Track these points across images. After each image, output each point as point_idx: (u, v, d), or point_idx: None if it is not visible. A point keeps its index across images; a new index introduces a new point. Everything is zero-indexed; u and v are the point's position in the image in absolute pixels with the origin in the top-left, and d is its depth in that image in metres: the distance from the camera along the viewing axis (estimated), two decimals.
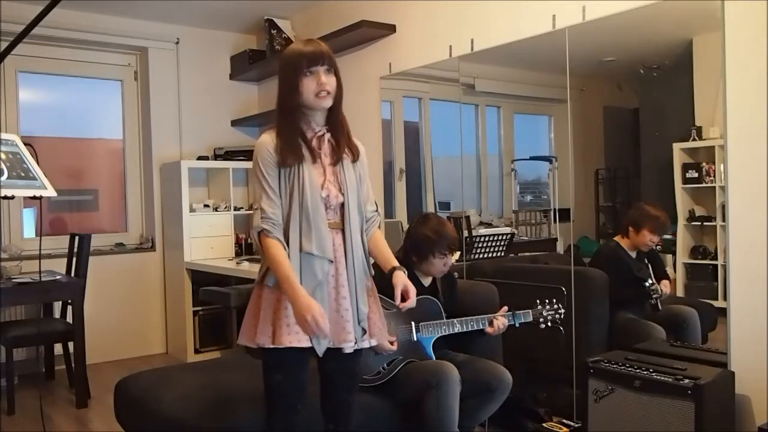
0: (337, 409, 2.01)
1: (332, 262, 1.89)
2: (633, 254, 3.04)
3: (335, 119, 1.97)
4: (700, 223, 2.80)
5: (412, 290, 1.98)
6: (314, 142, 1.93)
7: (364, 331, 1.93)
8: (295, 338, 1.82)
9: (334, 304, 1.89)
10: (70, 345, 3.96)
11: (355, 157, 1.99)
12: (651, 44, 2.93)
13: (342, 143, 1.96)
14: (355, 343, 1.90)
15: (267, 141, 1.90)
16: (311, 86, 1.87)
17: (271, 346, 1.82)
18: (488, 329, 2.59)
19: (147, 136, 5.12)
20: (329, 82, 1.89)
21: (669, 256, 2.96)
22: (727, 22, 2.47)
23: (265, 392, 1.92)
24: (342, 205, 1.93)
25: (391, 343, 2.49)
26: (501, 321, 2.60)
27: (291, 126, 1.92)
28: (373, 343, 1.99)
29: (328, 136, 1.95)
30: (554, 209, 3.57)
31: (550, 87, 3.37)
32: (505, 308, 2.64)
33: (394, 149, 4.30)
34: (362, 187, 2.01)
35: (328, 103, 1.91)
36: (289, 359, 1.85)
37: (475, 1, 3.55)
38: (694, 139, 2.74)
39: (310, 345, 1.83)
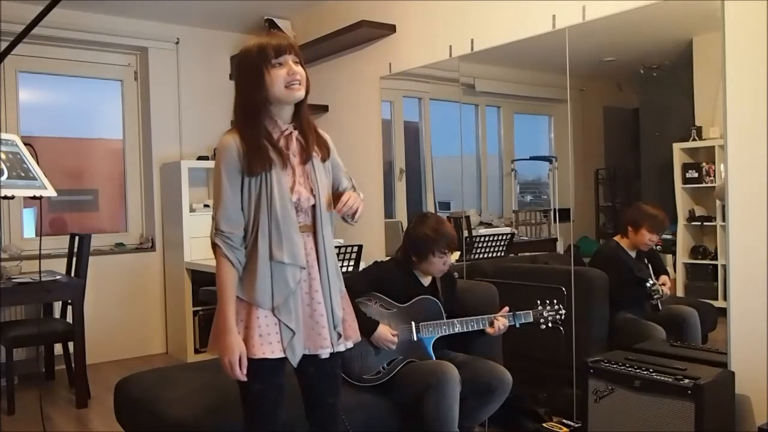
0: (322, 415, 1.94)
1: (304, 268, 1.80)
2: (633, 254, 3.04)
3: (302, 115, 1.83)
4: (700, 223, 2.80)
5: (353, 199, 1.84)
6: (282, 142, 1.80)
7: (340, 335, 1.86)
8: (267, 349, 1.74)
9: (308, 310, 1.82)
10: (70, 345, 3.96)
11: (326, 155, 1.89)
12: (651, 44, 2.93)
13: (311, 141, 1.83)
14: (332, 347, 1.84)
15: (231, 145, 1.75)
16: (281, 77, 1.74)
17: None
18: (488, 330, 2.59)
19: (147, 136, 5.12)
20: (300, 71, 1.76)
21: (669, 256, 2.96)
22: (727, 22, 2.47)
23: (242, 400, 1.84)
24: (313, 207, 1.83)
25: (393, 335, 2.50)
26: (501, 321, 2.59)
27: (256, 128, 1.77)
28: (349, 345, 1.91)
29: (296, 134, 1.82)
30: (554, 209, 3.57)
31: (550, 87, 3.37)
32: (506, 309, 2.64)
33: (394, 149, 4.30)
34: (337, 179, 1.93)
35: (301, 94, 1.77)
36: (265, 369, 1.77)
37: (475, 1, 3.55)
38: (694, 139, 2.74)
39: (283, 356, 1.77)
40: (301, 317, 1.80)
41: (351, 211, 1.83)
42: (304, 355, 1.81)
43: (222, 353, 1.74)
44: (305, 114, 1.85)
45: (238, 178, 1.76)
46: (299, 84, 1.76)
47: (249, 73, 1.77)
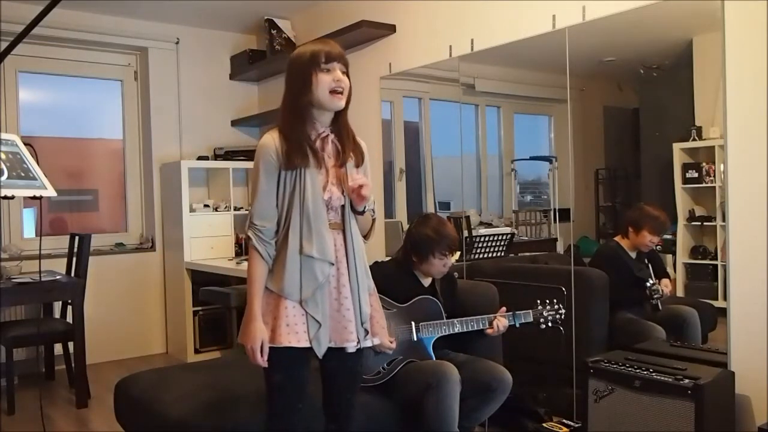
0: (338, 409, 2.00)
1: (333, 264, 1.86)
2: (633, 254, 3.04)
3: (341, 123, 1.93)
4: (700, 223, 2.80)
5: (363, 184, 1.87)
6: (317, 144, 1.89)
7: (367, 332, 1.92)
8: (294, 338, 1.81)
9: (336, 304, 1.88)
10: (70, 345, 3.96)
11: (360, 161, 1.96)
12: (651, 44, 2.93)
13: (348, 148, 1.92)
14: (358, 342, 1.89)
15: (270, 144, 1.85)
16: (327, 82, 1.82)
17: (271, 345, 1.82)
18: (488, 330, 2.59)
19: (147, 136, 5.12)
20: (345, 81, 1.86)
21: (669, 256, 2.96)
22: (727, 22, 2.47)
23: (266, 391, 1.92)
24: (343, 206, 1.90)
25: (391, 342, 2.50)
26: (501, 321, 2.60)
27: (297, 128, 1.86)
28: (376, 341, 1.98)
29: (332, 137, 1.91)
30: (554, 209, 3.57)
31: (550, 87, 3.37)
32: (504, 309, 2.64)
33: (394, 149, 4.30)
34: None
35: (342, 103, 1.86)
36: (289, 359, 1.84)
37: (475, 1, 3.55)
38: (694, 139, 2.74)
39: (309, 345, 1.83)
40: (327, 310, 1.86)
41: (355, 185, 1.85)
42: (330, 348, 1.86)
43: (245, 340, 1.82)
44: (345, 121, 1.94)
45: (274, 176, 1.85)
46: (342, 93, 1.85)
47: (298, 75, 1.86)
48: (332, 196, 1.88)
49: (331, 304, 1.87)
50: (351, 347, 1.88)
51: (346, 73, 1.88)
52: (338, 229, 1.91)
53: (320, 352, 1.84)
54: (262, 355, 1.80)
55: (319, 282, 1.83)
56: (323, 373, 1.98)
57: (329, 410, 2.01)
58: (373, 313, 1.96)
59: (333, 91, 1.83)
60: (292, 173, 1.84)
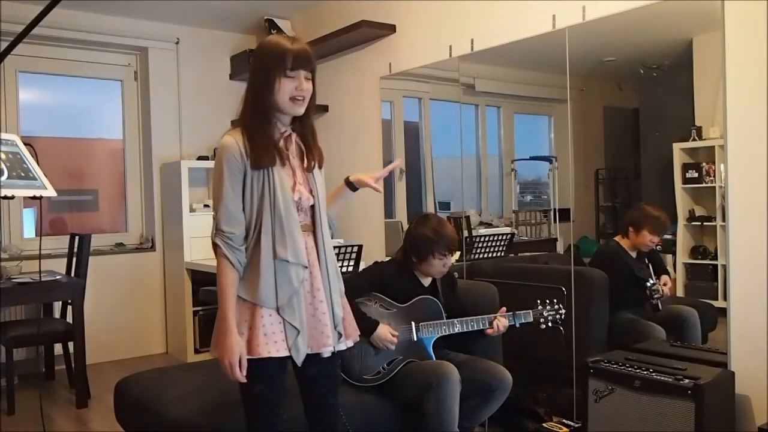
0: (321, 415, 1.94)
1: (307, 267, 1.81)
2: (633, 254, 3.04)
3: (306, 125, 1.88)
4: (700, 223, 2.80)
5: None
6: (281, 143, 1.83)
7: (340, 335, 1.88)
8: (273, 348, 1.75)
9: (311, 309, 1.83)
10: (70, 345, 3.96)
11: (321, 164, 1.92)
12: (651, 44, 2.93)
13: (314, 149, 1.88)
14: (333, 346, 1.85)
15: (233, 144, 1.77)
16: (288, 89, 1.77)
17: (248, 357, 1.75)
18: (488, 330, 2.59)
19: (147, 136, 5.12)
20: (308, 88, 1.80)
21: (669, 256, 2.96)
22: (727, 22, 2.47)
23: (243, 402, 1.84)
24: (313, 207, 1.86)
25: (393, 336, 2.50)
26: (501, 321, 2.59)
27: (262, 125, 1.81)
28: (350, 344, 1.93)
29: (294, 136, 1.87)
30: (554, 209, 3.57)
31: (550, 87, 3.37)
32: (504, 309, 2.64)
33: (394, 149, 4.30)
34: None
35: (300, 110, 1.81)
36: (269, 368, 1.78)
37: (475, 1, 3.55)
38: (694, 139, 2.74)
39: (288, 354, 1.77)
40: (304, 316, 1.81)
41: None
42: (306, 355, 1.81)
43: (222, 354, 1.75)
44: (309, 123, 1.90)
45: (239, 178, 1.78)
46: (302, 100, 1.80)
47: (263, 74, 1.79)
48: (302, 197, 1.83)
49: (306, 309, 1.82)
50: (327, 352, 1.83)
51: (312, 79, 1.82)
52: (308, 231, 1.85)
53: (299, 359, 1.78)
54: (240, 370, 1.73)
55: (294, 287, 1.77)
56: (303, 382, 1.92)
57: (312, 417, 1.95)
58: (345, 315, 1.92)
59: (293, 99, 1.78)
60: (260, 174, 1.77)
